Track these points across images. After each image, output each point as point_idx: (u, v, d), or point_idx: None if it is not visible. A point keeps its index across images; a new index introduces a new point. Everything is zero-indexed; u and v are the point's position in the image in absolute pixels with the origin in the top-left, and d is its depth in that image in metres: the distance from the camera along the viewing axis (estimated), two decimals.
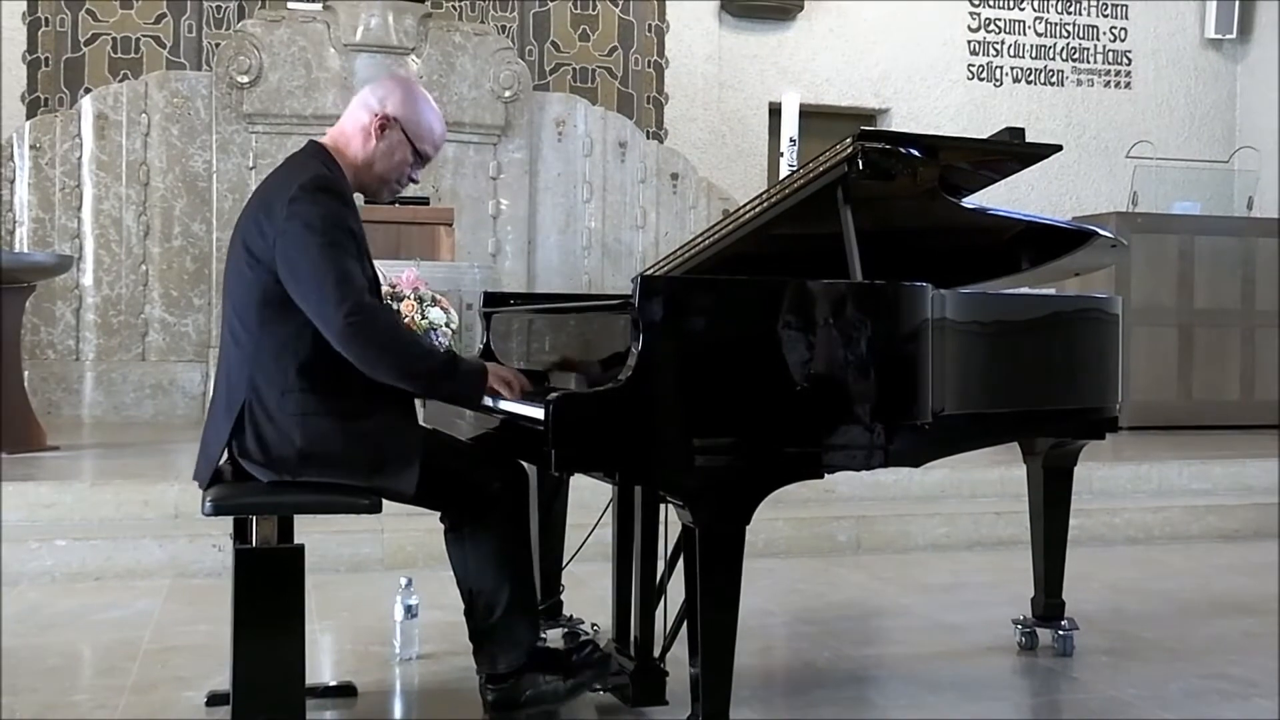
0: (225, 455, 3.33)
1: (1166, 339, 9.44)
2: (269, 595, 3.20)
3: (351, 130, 3.50)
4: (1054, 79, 12.45)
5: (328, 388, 3.28)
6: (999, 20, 12.27)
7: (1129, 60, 12.65)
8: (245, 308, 3.33)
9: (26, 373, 7.71)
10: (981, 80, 12.25)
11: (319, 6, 9.76)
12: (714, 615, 3.08)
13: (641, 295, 3.01)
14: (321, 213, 3.24)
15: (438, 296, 7.33)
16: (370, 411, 3.31)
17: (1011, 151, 3.82)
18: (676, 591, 3.38)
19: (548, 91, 10.60)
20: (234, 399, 3.30)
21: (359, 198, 3.60)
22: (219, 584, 4.87)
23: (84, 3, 10.20)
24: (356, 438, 3.29)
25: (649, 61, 11.32)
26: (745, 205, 3.70)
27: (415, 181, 3.65)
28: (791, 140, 7.71)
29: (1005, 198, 3.80)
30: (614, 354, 3.41)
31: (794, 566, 5.76)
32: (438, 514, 3.52)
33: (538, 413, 3.09)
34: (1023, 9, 12.34)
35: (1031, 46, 12.38)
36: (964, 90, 12.20)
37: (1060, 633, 4.35)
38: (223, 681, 3.53)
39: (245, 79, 9.32)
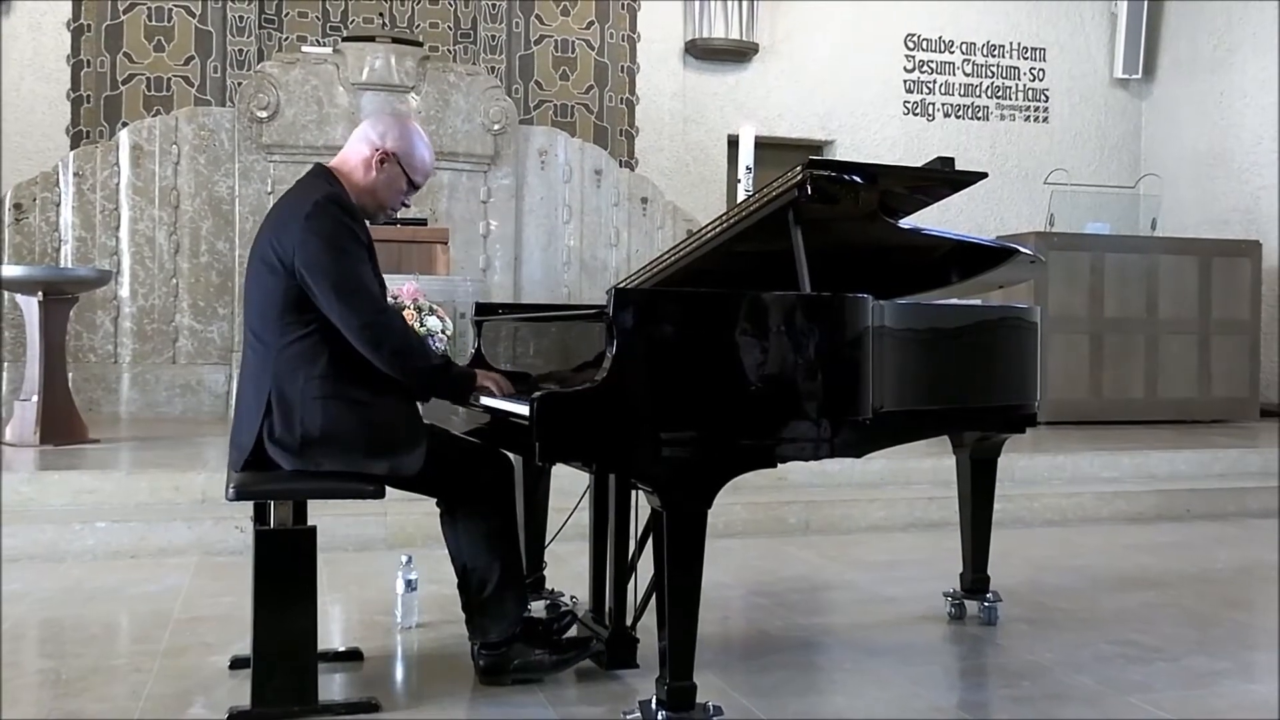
0: (254, 445, 3.31)
1: (1080, 344, 9.46)
2: (285, 571, 3.20)
3: (354, 161, 3.50)
4: (980, 114, 12.50)
5: (344, 377, 3.30)
6: (931, 62, 12.31)
7: (1046, 97, 12.71)
8: (266, 313, 3.32)
9: (71, 374, 7.67)
10: (916, 115, 12.29)
11: (330, 50, 9.74)
12: (679, 588, 3.08)
13: (616, 305, 3.01)
14: (335, 226, 3.27)
15: (434, 306, 7.35)
16: (381, 398, 3.34)
17: (943, 178, 3.82)
18: (646, 568, 3.37)
19: (532, 125, 10.58)
20: (260, 396, 3.30)
21: None
22: (241, 561, 4.85)
23: (121, 46, 10.16)
24: (371, 421, 3.31)
25: (622, 99, 11.32)
26: (707, 226, 3.70)
27: (407, 206, 3.69)
28: (748, 168, 7.71)
29: (937, 219, 3.80)
30: (591, 357, 3.41)
31: (750, 546, 5.77)
32: (435, 499, 3.52)
33: (524, 410, 3.09)
34: (952, 52, 12.38)
35: (960, 85, 12.42)
36: (900, 124, 12.23)
37: (986, 604, 4.37)
38: (244, 647, 3.52)
39: (264, 114, 9.28)
